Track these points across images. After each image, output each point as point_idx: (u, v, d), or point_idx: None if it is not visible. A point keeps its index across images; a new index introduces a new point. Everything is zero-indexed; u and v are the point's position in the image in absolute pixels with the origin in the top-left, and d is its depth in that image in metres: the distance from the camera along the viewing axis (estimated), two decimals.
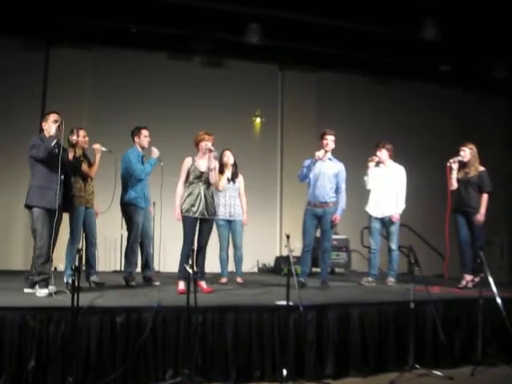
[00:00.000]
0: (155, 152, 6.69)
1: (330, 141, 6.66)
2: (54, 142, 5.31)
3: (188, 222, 5.91)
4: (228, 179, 7.19)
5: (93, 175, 6.35)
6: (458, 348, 5.38)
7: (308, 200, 6.73)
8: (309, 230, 6.68)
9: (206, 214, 5.92)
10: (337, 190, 6.69)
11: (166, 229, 7.66)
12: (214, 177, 6.05)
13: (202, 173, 6.00)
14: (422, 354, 5.17)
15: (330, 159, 6.72)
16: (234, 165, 7.31)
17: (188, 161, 6.06)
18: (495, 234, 10.23)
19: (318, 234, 6.84)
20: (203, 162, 6.04)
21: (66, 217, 5.97)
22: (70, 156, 5.83)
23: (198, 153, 6.11)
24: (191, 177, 6.01)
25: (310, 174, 6.65)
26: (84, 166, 6.25)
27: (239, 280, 7.25)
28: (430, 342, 5.28)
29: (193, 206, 5.89)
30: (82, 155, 6.29)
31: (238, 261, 7.36)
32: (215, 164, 6.06)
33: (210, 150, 5.98)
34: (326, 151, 6.67)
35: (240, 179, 7.39)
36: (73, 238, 6.20)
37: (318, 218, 6.65)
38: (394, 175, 7.18)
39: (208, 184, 6.03)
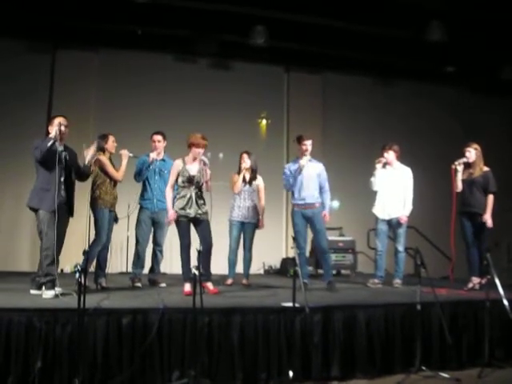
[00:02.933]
0: (150, 157, 6.76)
1: (308, 145, 6.72)
2: (50, 142, 5.31)
3: (181, 225, 5.93)
4: (245, 181, 7.18)
5: (120, 179, 6.44)
6: (465, 350, 5.36)
7: (295, 203, 6.77)
8: (301, 232, 6.72)
9: (198, 216, 5.92)
10: (320, 191, 6.78)
11: (173, 231, 7.65)
12: (210, 186, 5.96)
13: (193, 176, 5.92)
14: (429, 356, 5.15)
15: (310, 161, 6.76)
16: (252, 168, 7.29)
17: (178, 164, 5.98)
18: (502, 236, 10.18)
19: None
20: (194, 167, 5.97)
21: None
22: (89, 154, 5.85)
23: (188, 154, 6.03)
24: (180, 179, 5.94)
25: (295, 181, 6.71)
26: (112, 170, 6.34)
27: (245, 281, 7.25)
28: (436, 343, 5.26)
29: (183, 209, 5.88)
30: (109, 159, 6.42)
31: (247, 262, 7.37)
32: (210, 174, 5.95)
33: (205, 164, 5.91)
34: (305, 156, 6.72)
35: (258, 182, 7.38)
36: (98, 239, 6.21)
37: (307, 219, 6.69)
38: (401, 177, 7.15)
39: (199, 188, 5.98)
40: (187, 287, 5.76)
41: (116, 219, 6.56)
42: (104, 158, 6.32)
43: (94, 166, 6.26)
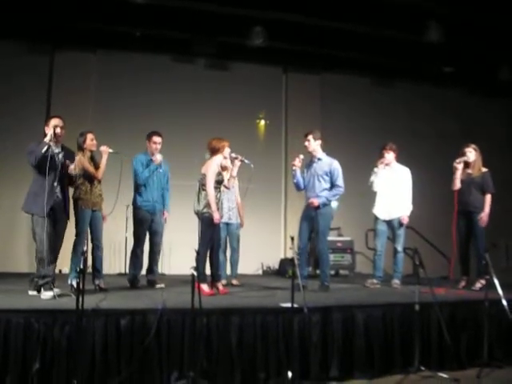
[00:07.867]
0: (157, 159, 6.63)
1: (306, 142, 6.66)
2: (45, 148, 5.27)
3: (217, 227, 6.15)
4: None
5: (100, 177, 6.31)
6: (464, 350, 5.35)
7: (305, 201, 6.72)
8: (302, 232, 6.60)
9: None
10: (332, 188, 6.59)
11: (172, 232, 7.65)
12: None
13: (223, 179, 6.17)
14: (428, 356, 5.15)
15: (319, 159, 6.66)
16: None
17: (216, 166, 6.08)
18: (500, 237, 10.19)
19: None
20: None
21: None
22: (72, 166, 5.66)
23: (215, 158, 6.14)
24: (216, 181, 6.07)
25: (300, 181, 6.67)
26: (91, 169, 6.22)
27: (234, 282, 7.35)
28: (435, 343, 5.26)
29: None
30: (89, 158, 6.28)
31: (234, 263, 7.46)
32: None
33: (241, 160, 6.26)
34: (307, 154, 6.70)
35: (236, 182, 7.41)
36: (78, 240, 6.20)
37: (311, 219, 6.55)
38: (400, 177, 7.16)
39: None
40: (206, 288, 5.88)
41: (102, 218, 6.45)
42: (81, 158, 6.13)
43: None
